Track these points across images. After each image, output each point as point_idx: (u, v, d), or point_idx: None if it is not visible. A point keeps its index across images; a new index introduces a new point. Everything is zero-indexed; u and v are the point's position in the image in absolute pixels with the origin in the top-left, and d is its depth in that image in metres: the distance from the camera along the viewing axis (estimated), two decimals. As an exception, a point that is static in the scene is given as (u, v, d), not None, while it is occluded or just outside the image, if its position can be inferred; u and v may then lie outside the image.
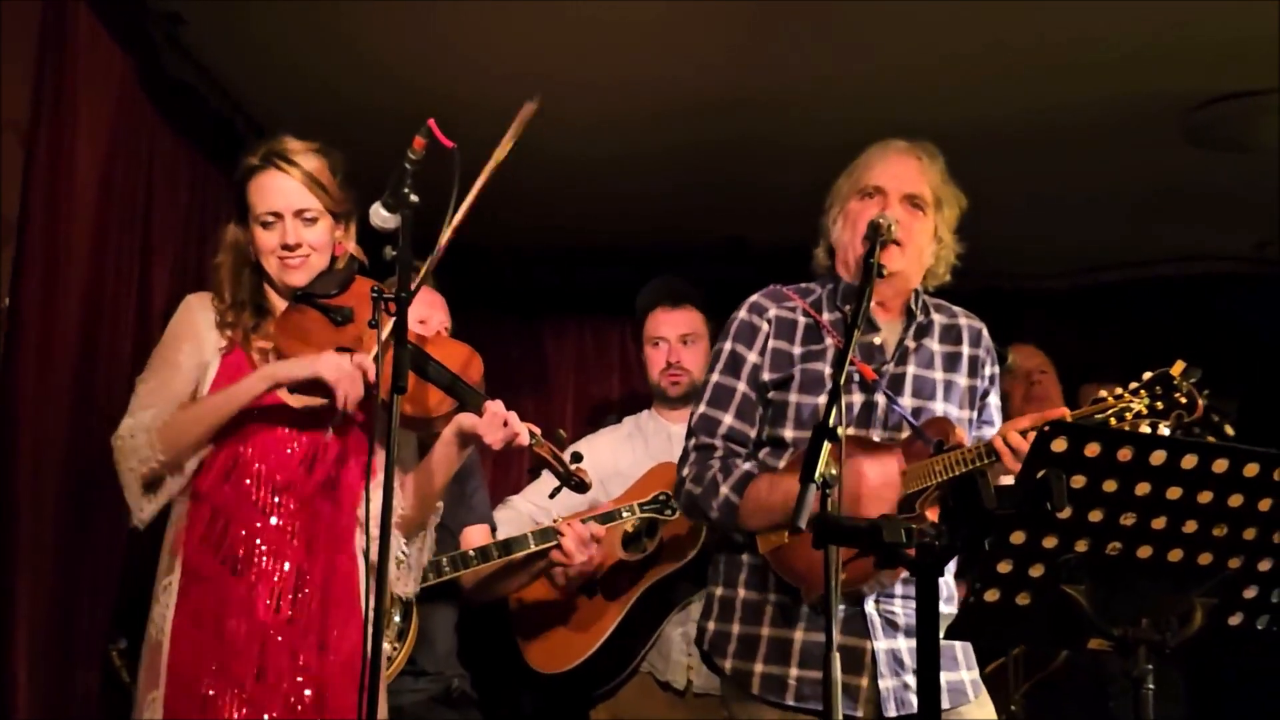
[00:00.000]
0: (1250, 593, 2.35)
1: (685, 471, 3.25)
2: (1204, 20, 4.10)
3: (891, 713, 3.04)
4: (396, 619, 3.76)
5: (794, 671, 3.07)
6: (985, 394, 3.31)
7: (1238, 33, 4.16)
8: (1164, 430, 2.88)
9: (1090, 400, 2.96)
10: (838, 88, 4.55)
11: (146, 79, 4.17)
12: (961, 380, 3.28)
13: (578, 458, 3.30)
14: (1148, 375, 2.91)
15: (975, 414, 3.29)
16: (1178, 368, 2.88)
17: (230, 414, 2.99)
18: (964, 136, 4.82)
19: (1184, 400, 2.87)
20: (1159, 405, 2.88)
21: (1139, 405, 2.89)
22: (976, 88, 4.58)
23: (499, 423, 3.05)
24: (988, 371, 3.32)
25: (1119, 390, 2.92)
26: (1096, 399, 2.94)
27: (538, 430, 3.15)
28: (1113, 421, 2.89)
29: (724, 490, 3.15)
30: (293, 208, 3.08)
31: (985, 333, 3.35)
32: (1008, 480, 3.03)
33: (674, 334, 4.33)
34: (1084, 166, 5.20)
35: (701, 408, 3.29)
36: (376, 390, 2.84)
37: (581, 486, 3.27)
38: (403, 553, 3.16)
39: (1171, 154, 4.98)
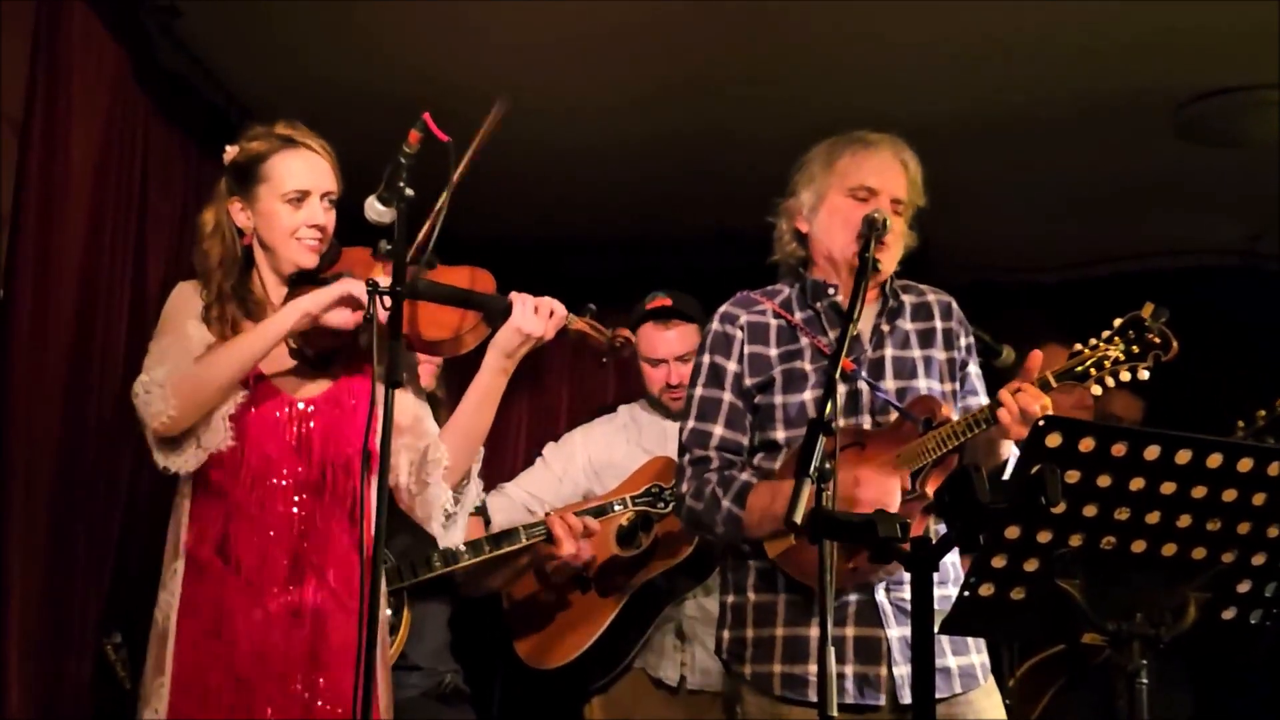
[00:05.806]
0: (1244, 587, 2.37)
1: (684, 488, 3.25)
2: (1195, 15, 4.11)
3: (907, 699, 3.05)
4: (388, 613, 3.74)
5: (813, 668, 3.06)
6: (964, 364, 3.34)
7: (1229, 27, 4.17)
8: (1144, 373, 2.88)
9: (1069, 355, 2.96)
10: (829, 77, 4.55)
11: (141, 70, 4.17)
12: (939, 354, 3.30)
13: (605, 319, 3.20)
14: (1119, 321, 2.90)
15: (958, 385, 3.31)
16: (1147, 310, 2.87)
17: (261, 353, 2.93)
18: (954, 129, 4.87)
19: (1158, 340, 2.86)
20: (1135, 349, 2.87)
21: (1115, 352, 2.88)
22: (966, 80, 4.58)
23: (531, 310, 3.02)
24: (963, 342, 3.34)
25: (1094, 341, 2.91)
26: (1074, 352, 2.94)
27: (563, 307, 3.09)
28: (1093, 371, 2.89)
29: (726, 504, 3.15)
30: (322, 188, 3.09)
31: (955, 305, 3.38)
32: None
33: (670, 355, 4.27)
34: (1075, 160, 5.20)
35: (691, 423, 3.29)
36: (375, 358, 2.77)
37: (627, 346, 3.19)
38: (450, 506, 3.08)
39: (1163, 148, 4.99)
